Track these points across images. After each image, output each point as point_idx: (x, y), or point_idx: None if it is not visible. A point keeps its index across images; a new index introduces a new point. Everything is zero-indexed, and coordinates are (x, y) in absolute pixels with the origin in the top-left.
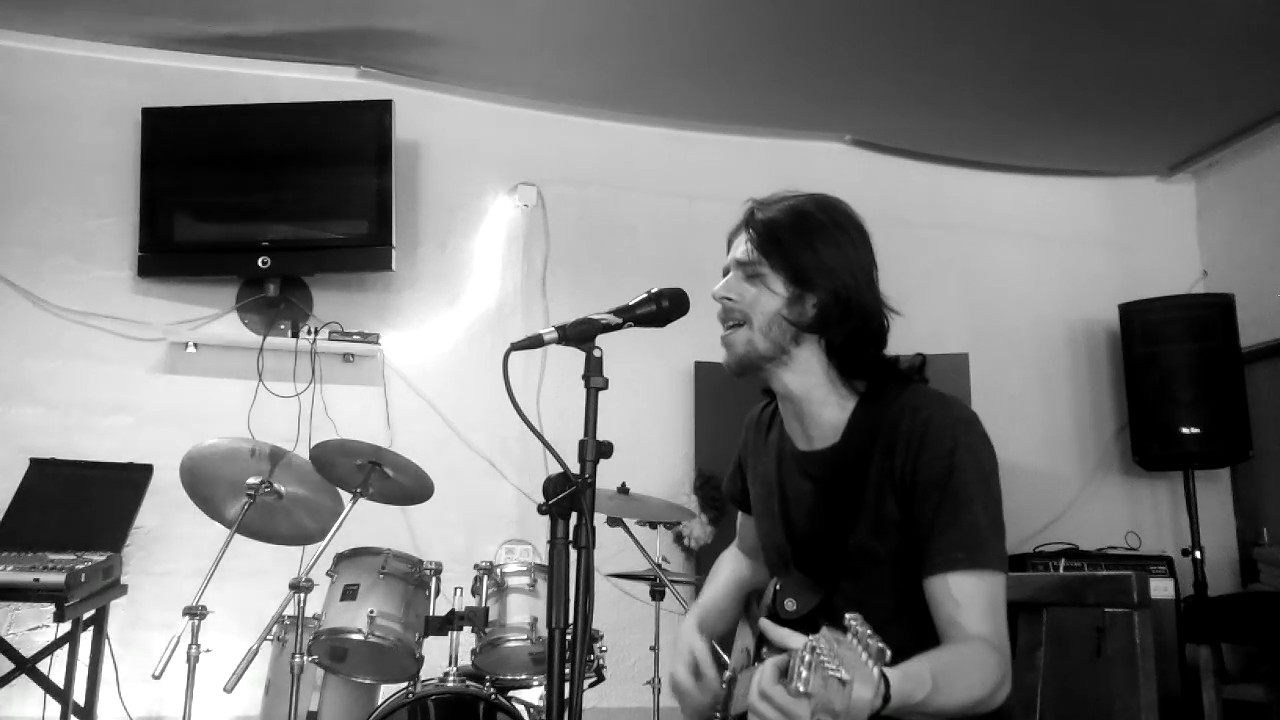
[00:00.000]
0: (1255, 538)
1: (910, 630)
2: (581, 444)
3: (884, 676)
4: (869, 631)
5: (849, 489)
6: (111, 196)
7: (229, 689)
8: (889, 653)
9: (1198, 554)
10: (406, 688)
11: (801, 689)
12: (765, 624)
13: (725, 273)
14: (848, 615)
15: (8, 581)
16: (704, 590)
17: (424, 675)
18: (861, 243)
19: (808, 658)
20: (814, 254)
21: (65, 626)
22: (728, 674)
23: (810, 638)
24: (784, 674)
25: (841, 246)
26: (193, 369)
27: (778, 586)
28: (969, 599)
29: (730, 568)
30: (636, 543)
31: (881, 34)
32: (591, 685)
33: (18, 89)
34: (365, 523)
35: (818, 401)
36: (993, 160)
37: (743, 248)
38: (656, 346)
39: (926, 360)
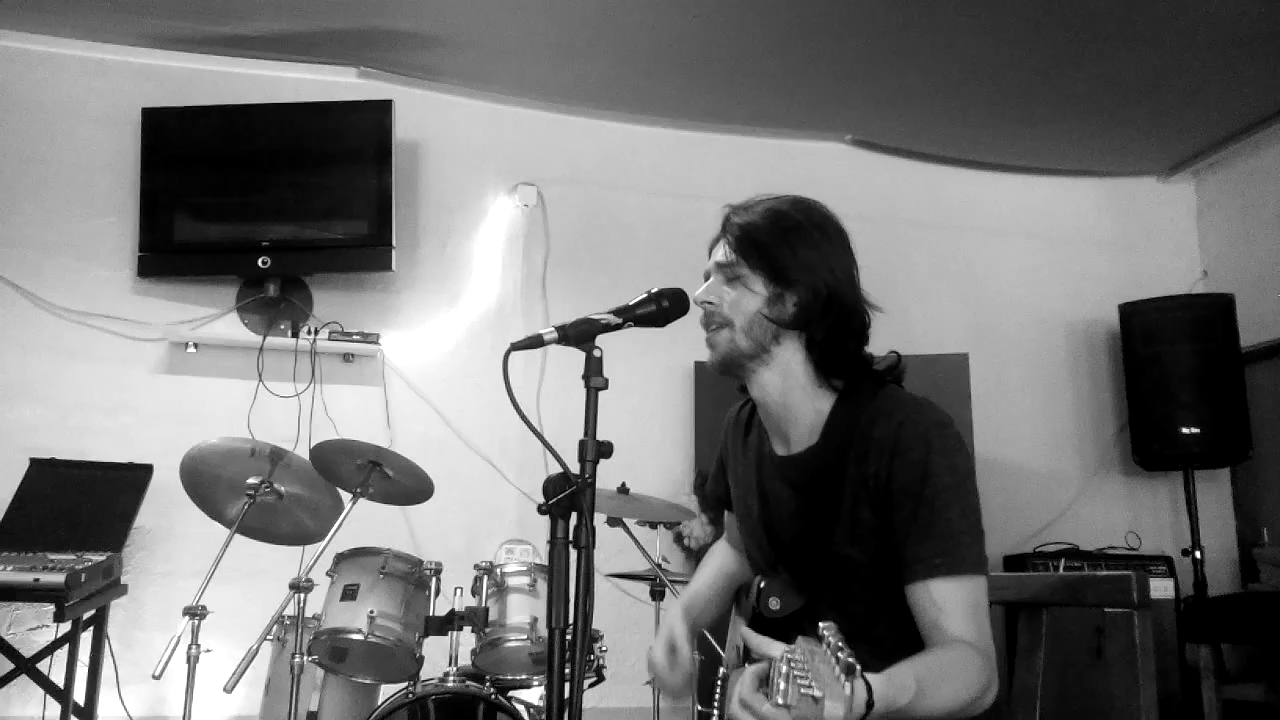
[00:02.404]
0: (1255, 538)
1: (895, 633)
2: (581, 444)
3: (866, 683)
4: (840, 643)
5: (826, 496)
6: (111, 196)
7: (229, 689)
8: (859, 667)
9: (1198, 554)
10: (406, 688)
11: (781, 701)
12: (746, 632)
13: (706, 277)
14: (821, 625)
15: (8, 581)
16: (693, 579)
17: (424, 675)
18: (839, 241)
19: (784, 669)
20: (792, 252)
21: (65, 626)
22: (722, 671)
23: (785, 649)
24: (763, 683)
25: (819, 245)
26: (193, 369)
27: (761, 585)
28: (951, 604)
29: (719, 559)
30: (636, 543)
31: (882, 34)
32: (591, 685)
33: (18, 89)
34: (365, 523)
35: (795, 404)
36: (993, 160)
37: (721, 251)
38: (656, 346)
39: (901, 359)
